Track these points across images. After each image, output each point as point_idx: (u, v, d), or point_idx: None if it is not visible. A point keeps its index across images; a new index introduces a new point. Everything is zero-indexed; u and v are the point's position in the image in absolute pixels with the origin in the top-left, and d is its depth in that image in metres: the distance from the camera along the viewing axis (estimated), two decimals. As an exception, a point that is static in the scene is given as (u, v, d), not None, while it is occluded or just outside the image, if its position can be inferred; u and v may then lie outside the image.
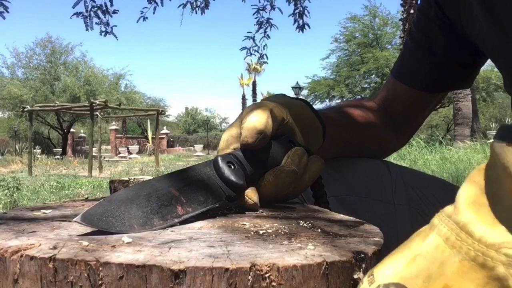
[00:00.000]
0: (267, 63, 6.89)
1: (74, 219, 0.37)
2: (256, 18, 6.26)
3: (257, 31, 6.34)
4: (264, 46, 6.49)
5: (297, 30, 6.18)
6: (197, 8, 6.22)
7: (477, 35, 0.62)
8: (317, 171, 0.55)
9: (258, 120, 0.51)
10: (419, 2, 0.77)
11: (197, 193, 0.45)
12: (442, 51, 0.72)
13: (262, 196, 0.51)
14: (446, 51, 0.71)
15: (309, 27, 6.19)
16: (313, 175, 0.55)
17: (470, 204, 0.28)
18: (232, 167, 0.48)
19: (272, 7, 6.18)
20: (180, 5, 6.22)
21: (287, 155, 0.52)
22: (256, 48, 6.49)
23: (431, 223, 0.30)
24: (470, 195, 0.29)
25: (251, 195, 0.49)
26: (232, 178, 0.47)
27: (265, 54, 6.60)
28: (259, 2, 6.21)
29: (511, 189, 0.26)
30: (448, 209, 0.29)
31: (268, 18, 6.27)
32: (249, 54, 6.56)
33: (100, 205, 0.39)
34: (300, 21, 6.14)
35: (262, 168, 0.51)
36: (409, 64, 0.78)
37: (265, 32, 6.34)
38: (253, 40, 6.45)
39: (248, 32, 6.44)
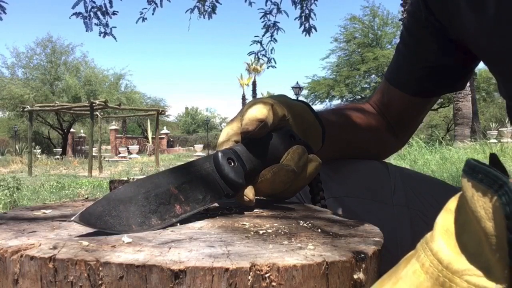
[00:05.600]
0: (275, 67, 6.71)
1: (72, 218, 0.36)
2: (263, 22, 6.20)
3: (263, 35, 6.27)
4: (272, 49, 6.40)
5: (304, 33, 6.12)
6: (204, 13, 6.19)
7: (469, 40, 0.62)
8: (315, 170, 0.55)
9: (259, 110, 0.51)
10: None
11: (196, 191, 0.45)
12: (434, 55, 0.71)
13: (258, 192, 0.51)
14: (438, 55, 0.71)
15: (316, 30, 6.12)
16: (311, 174, 0.55)
17: (443, 232, 0.30)
18: (232, 164, 0.48)
19: (279, 10, 6.12)
20: (187, 10, 6.19)
21: (287, 152, 0.52)
22: (263, 52, 6.42)
23: (415, 248, 0.32)
24: (445, 223, 0.31)
25: (247, 192, 0.49)
26: (232, 176, 0.47)
27: (273, 58, 6.50)
28: (266, 5, 6.17)
29: (474, 221, 0.28)
30: (427, 235, 0.32)
31: (275, 22, 6.21)
32: (257, 58, 6.49)
33: (99, 204, 0.39)
34: (307, 24, 6.09)
35: (262, 163, 0.51)
36: (401, 69, 0.78)
37: (271, 35, 6.28)
38: (261, 44, 6.36)
39: (255, 36, 6.37)
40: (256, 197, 0.51)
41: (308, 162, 0.54)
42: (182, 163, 0.48)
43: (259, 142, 0.52)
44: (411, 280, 0.30)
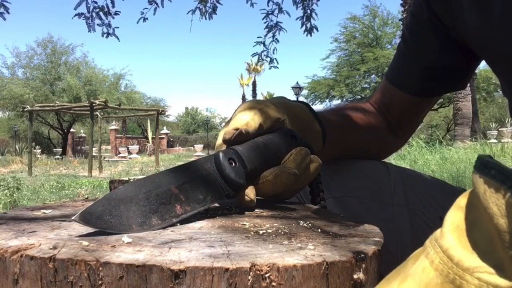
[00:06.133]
0: (277, 68, 6.63)
1: (73, 218, 0.36)
2: (265, 22, 6.16)
3: (266, 35, 6.23)
4: (274, 50, 6.34)
5: (305, 33, 6.09)
6: (205, 13, 6.17)
7: (472, 41, 0.62)
8: (316, 171, 0.56)
9: (239, 118, 0.52)
10: None
11: (196, 191, 0.45)
12: (435, 55, 0.71)
13: (259, 192, 0.51)
14: (440, 56, 0.71)
15: (317, 30, 6.07)
16: (311, 175, 0.55)
17: (453, 229, 0.30)
18: (233, 164, 0.48)
19: (280, 10, 6.09)
20: (189, 12, 6.17)
21: (290, 153, 0.52)
22: (266, 52, 6.34)
23: (424, 245, 0.32)
24: (455, 219, 0.31)
25: (248, 192, 0.49)
26: (233, 176, 0.47)
27: (275, 59, 6.44)
28: (268, 6, 6.14)
29: (485, 217, 0.28)
30: (437, 232, 0.31)
31: (277, 22, 6.16)
32: (261, 59, 6.45)
33: (100, 203, 0.39)
34: (308, 24, 6.06)
35: (263, 163, 0.51)
36: (402, 68, 0.77)
37: (273, 36, 6.23)
38: (264, 45, 6.30)
39: (258, 37, 6.33)
40: (255, 198, 0.51)
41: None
42: (182, 163, 0.48)
43: (260, 142, 0.52)
44: (420, 277, 0.29)
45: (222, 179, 0.47)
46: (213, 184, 0.47)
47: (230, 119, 0.56)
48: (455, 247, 0.29)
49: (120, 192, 0.41)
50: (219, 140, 0.54)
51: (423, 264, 0.30)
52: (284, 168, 0.51)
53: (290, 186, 0.52)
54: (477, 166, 0.29)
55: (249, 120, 0.52)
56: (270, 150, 0.52)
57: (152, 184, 0.43)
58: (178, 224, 0.42)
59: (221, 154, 0.48)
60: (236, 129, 0.51)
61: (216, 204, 0.53)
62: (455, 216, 0.31)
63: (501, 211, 0.26)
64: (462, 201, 0.31)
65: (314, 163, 0.55)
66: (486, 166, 0.28)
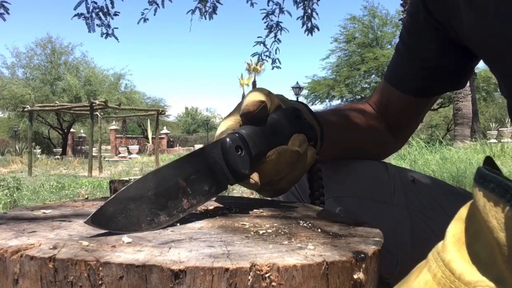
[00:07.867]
0: (280, 68, 6.55)
1: (84, 221, 0.37)
2: (265, 22, 6.12)
3: (267, 36, 6.19)
4: (276, 50, 6.26)
5: (306, 33, 6.06)
6: (205, 13, 6.15)
7: (469, 40, 0.62)
8: (311, 159, 0.56)
9: (258, 94, 0.52)
10: None
11: (202, 183, 0.45)
12: (433, 55, 0.71)
13: (262, 173, 0.51)
14: (437, 56, 0.71)
15: (318, 29, 6.03)
16: (308, 162, 0.56)
17: (455, 241, 0.30)
18: (240, 152, 0.48)
19: (281, 11, 6.05)
20: (188, 11, 6.15)
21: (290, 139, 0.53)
22: (267, 53, 6.29)
23: (427, 258, 0.32)
24: (456, 232, 0.31)
25: (253, 175, 0.50)
26: (238, 166, 0.47)
27: (277, 59, 6.35)
28: (268, 5, 6.11)
29: (486, 231, 0.28)
30: (439, 245, 0.32)
31: (278, 22, 6.13)
32: (261, 60, 6.43)
33: (110, 204, 0.39)
34: (309, 24, 6.03)
35: (268, 145, 0.51)
36: (400, 68, 0.77)
37: (275, 36, 6.18)
38: (264, 45, 6.24)
39: (258, 37, 6.30)
40: (255, 197, 0.51)
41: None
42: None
43: (265, 123, 0.52)
44: None
45: (227, 168, 0.47)
46: (219, 173, 0.47)
47: (233, 110, 0.56)
48: (456, 260, 0.29)
49: (131, 190, 0.41)
50: (221, 129, 0.54)
51: (426, 278, 0.30)
52: (286, 146, 0.52)
53: (293, 165, 0.53)
54: (477, 179, 0.29)
55: (266, 96, 0.52)
56: (275, 132, 0.52)
57: (161, 178, 0.43)
58: (178, 224, 0.42)
59: (228, 141, 0.48)
60: (262, 102, 0.51)
61: (216, 204, 0.53)
62: (456, 228, 0.31)
63: (500, 225, 0.26)
64: (463, 213, 0.31)
65: (310, 151, 0.55)
66: (485, 179, 0.28)
